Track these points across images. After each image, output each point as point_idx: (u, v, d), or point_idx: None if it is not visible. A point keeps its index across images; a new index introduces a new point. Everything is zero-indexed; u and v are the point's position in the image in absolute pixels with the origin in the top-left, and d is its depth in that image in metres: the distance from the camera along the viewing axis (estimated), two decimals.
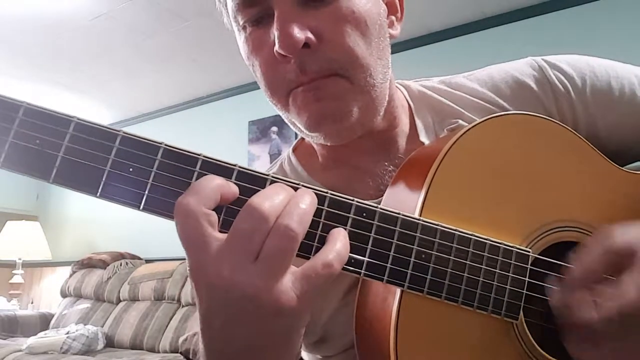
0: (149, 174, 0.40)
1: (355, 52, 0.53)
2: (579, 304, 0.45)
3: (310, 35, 0.51)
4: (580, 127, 0.61)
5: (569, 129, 0.56)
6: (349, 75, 0.54)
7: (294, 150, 0.72)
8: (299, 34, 0.50)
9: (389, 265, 0.45)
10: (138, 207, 0.40)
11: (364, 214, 0.44)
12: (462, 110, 0.63)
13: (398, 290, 0.47)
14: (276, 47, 0.51)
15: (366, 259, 0.44)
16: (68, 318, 3.49)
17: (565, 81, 0.62)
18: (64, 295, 3.78)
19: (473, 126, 0.53)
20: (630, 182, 0.57)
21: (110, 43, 3.03)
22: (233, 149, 3.59)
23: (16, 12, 2.66)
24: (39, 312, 3.88)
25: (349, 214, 0.44)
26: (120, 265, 3.59)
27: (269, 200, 0.38)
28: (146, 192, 0.40)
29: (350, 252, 0.43)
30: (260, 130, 3.51)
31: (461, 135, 0.52)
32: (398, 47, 2.98)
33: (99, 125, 0.39)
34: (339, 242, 0.41)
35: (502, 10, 2.69)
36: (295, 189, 0.42)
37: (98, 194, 0.39)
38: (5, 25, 2.78)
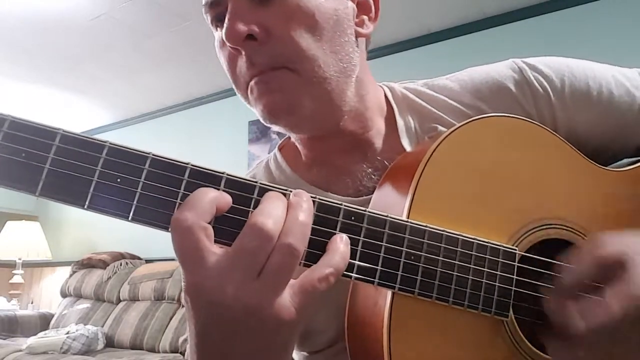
0: (137, 184, 0.40)
1: (300, 45, 0.54)
2: (568, 313, 0.45)
3: (254, 27, 0.53)
4: (560, 127, 0.62)
5: (549, 129, 0.57)
6: (296, 68, 0.55)
7: (280, 149, 0.73)
8: (243, 26, 0.52)
9: (379, 267, 0.45)
10: (127, 218, 0.40)
11: (353, 218, 0.44)
12: (442, 115, 0.64)
13: (389, 293, 0.47)
14: (222, 37, 0.54)
15: (357, 262, 0.44)
16: (68, 318, 3.49)
17: (544, 82, 0.62)
18: (64, 295, 3.78)
19: (455, 129, 0.53)
20: (610, 180, 0.59)
21: (110, 43, 3.03)
22: (233, 149, 3.59)
23: (16, 12, 2.66)
24: (39, 312, 3.88)
25: (338, 217, 0.44)
26: (120, 265, 3.59)
27: (272, 217, 0.39)
28: (135, 202, 0.40)
29: None
30: (260, 130, 3.50)
31: (444, 139, 0.52)
32: (398, 47, 2.98)
33: (85, 137, 0.39)
34: (337, 255, 0.42)
35: (503, 10, 2.68)
36: (285, 194, 0.42)
37: (86, 205, 0.39)
38: (5, 25, 2.78)
